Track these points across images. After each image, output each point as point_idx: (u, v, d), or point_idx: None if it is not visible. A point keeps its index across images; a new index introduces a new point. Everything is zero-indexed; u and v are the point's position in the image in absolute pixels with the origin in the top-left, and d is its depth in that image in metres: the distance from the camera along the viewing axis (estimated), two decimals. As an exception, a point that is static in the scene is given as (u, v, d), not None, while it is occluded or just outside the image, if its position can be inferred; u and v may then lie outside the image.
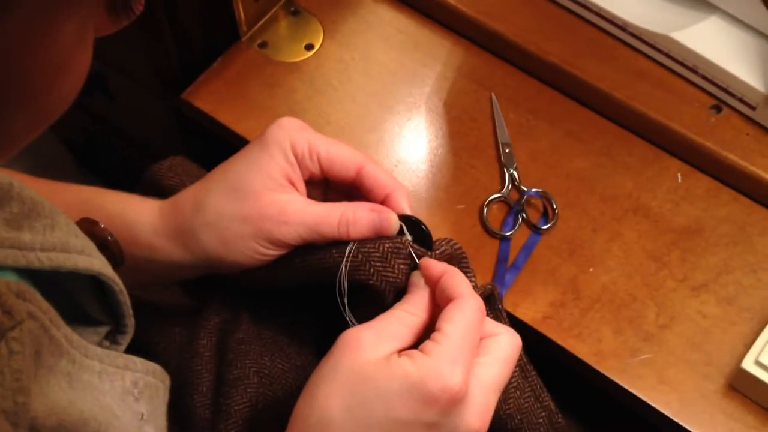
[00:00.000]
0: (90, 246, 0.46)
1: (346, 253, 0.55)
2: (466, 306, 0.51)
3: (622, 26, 0.79)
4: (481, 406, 0.50)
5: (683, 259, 0.72)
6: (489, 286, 0.59)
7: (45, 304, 0.38)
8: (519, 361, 0.61)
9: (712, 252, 0.72)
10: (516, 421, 0.61)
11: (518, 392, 0.60)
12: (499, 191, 0.74)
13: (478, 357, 0.51)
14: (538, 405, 0.61)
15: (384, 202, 0.57)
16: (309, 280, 0.58)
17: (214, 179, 0.57)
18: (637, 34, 0.79)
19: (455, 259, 0.57)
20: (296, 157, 0.56)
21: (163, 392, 0.51)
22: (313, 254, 0.56)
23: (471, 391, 0.49)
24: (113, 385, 0.45)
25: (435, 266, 0.54)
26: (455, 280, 0.53)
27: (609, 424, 0.74)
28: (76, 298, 0.49)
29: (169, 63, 0.83)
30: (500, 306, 0.60)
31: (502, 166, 0.76)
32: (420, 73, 0.82)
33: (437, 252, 0.56)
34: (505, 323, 0.59)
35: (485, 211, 0.73)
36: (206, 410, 0.60)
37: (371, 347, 0.49)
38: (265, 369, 0.61)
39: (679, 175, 0.76)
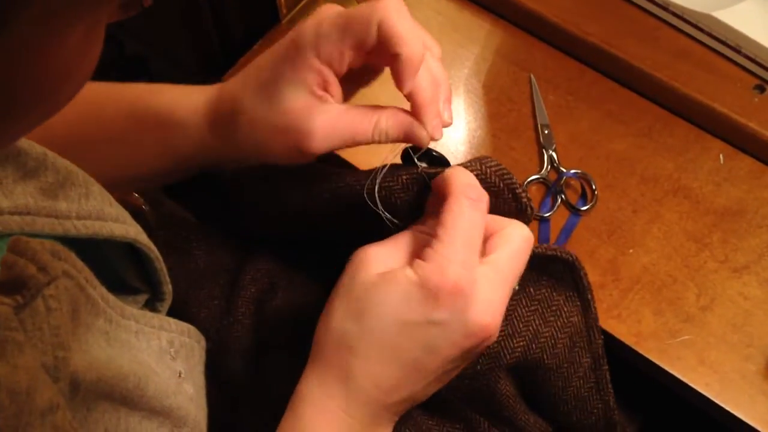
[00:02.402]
0: (124, 214, 0.47)
1: (377, 173, 0.55)
2: (456, 206, 0.50)
3: (664, 6, 0.79)
4: (490, 303, 0.50)
5: (725, 240, 0.71)
6: (569, 256, 0.59)
7: (80, 264, 0.39)
8: (594, 353, 0.61)
9: (754, 233, 0.71)
10: (570, 406, 0.61)
11: (581, 381, 0.61)
12: (538, 172, 0.74)
13: (486, 255, 0.51)
14: (598, 397, 0.61)
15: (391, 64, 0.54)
16: (338, 208, 0.59)
17: (249, 82, 0.56)
18: (679, 13, 0.78)
19: (497, 177, 0.55)
20: (326, 63, 0.53)
21: (199, 352, 0.53)
22: (340, 187, 0.57)
23: (478, 287, 0.49)
24: (150, 344, 0.47)
25: (439, 181, 0.53)
26: (448, 178, 0.52)
27: (663, 418, 0.75)
28: (114, 268, 0.50)
29: (210, 46, 0.84)
30: (583, 276, 0.60)
31: (540, 148, 0.76)
32: (459, 54, 0.82)
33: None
34: (589, 297, 0.60)
35: (524, 193, 0.73)
36: (247, 372, 0.62)
37: (380, 262, 0.51)
38: (302, 334, 0.62)
39: (721, 156, 0.75)
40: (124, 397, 0.41)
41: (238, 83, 0.57)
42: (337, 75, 0.54)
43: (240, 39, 0.82)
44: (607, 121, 0.77)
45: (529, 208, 0.56)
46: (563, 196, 0.73)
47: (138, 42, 0.98)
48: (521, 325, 0.60)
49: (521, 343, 0.60)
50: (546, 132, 0.76)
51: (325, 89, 0.54)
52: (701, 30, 0.78)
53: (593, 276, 0.69)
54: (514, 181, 0.55)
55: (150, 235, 0.49)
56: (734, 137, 0.75)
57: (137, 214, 0.54)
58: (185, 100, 0.59)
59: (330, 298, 0.52)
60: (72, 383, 0.36)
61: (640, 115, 0.78)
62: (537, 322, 0.61)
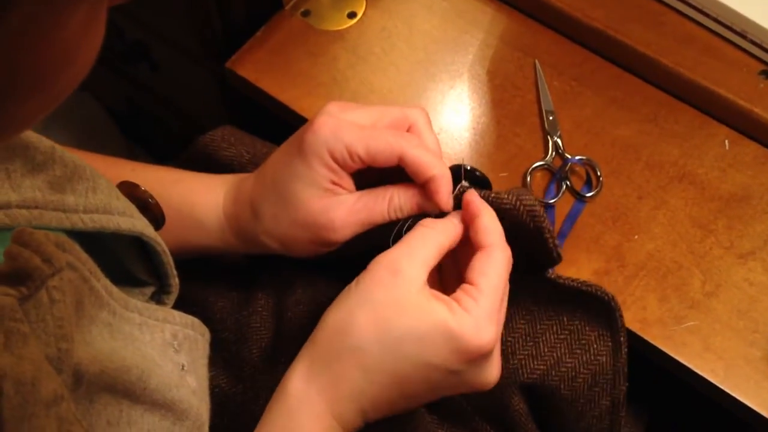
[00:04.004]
0: (131, 208, 0.47)
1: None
2: (497, 258, 0.53)
3: (669, -9, 0.78)
4: (499, 358, 0.54)
5: (730, 226, 0.71)
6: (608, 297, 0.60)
7: (84, 256, 0.39)
8: (615, 398, 0.62)
9: (759, 219, 0.71)
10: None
11: (595, 420, 0.61)
12: (543, 159, 0.74)
13: (472, 276, 0.54)
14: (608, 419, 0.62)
15: (425, 186, 0.57)
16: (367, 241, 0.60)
17: (264, 187, 0.58)
18: (684, -2, 0.78)
19: (529, 220, 0.56)
20: (336, 162, 0.55)
21: (203, 345, 0.53)
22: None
23: (497, 347, 0.53)
24: (153, 336, 0.46)
25: (474, 205, 0.55)
26: (488, 224, 0.54)
27: (670, 409, 0.75)
28: (121, 261, 0.50)
29: (212, 32, 0.83)
30: (619, 318, 0.61)
31: (545, 134, 0.76)
32: (463, 40, 0.82)
33: (494, 196, 0.56)
34: (621, 339, 0.61)
35: (528, 179, 0.73)
36: (265, 363, 0.62)
37: (411, 280, 0.52)
38: None
39: (726, 142, 0.75)
40: (126, 389, 0.41)
41: (253, 185, 0.59)
42: (348, 172, 0.57)
43: (242, 25, 0.82)
44: (612, 108, 0.77)
45: (556, 254, 0.57)
46: (568, 183, 0.73)
47: (139, 28, 0.98)
48: (546, 350, 0.60)
49: (541, 367, 0.60)
50: (551, 118, 0.76)
51: (338, 184, 0.56)
52: (707, 15, 0.77)
53: (598, 262, 0.69)
54: (545, 225, 0.56)
55: (157, 228, 0.49)
56: (740, 123, 0.75)
57: (145, 208, 0.54)
58: (205, 197, 0.61)
59: (349, 298, 0.53)
60: (75, 375, 0.36)
61: (645, 101, 0.77)
62: (562, 350, 0.60)
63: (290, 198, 0.56)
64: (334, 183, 0.56)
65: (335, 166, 0.55)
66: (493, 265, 0.53)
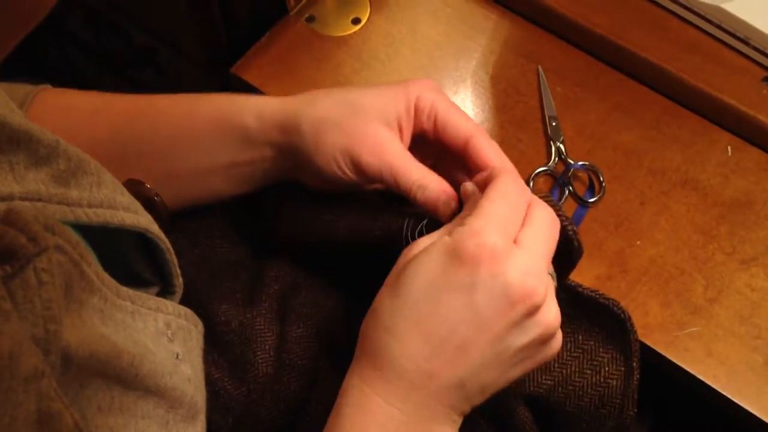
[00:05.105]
0: (136, 204, 0.47)
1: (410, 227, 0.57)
2: (500, 182, 0.52)
3: (672, -3, 0.79)
4: (531, 267, 0.49)
5: (732, 232, 0.71)
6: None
7: (75, 239, 0.38)
8: (621, 422, 0.61)
9: (761, 225, 0.71)
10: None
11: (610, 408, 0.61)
12: (546, 164, 0.74)
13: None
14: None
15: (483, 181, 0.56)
16: (366, 237, 0.60)
17: (338, 89, 0.59)
18: (687, 5, 0.78)
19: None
20: (416, 108, 0.58)
21: (196, 335, 0.52)
22: (383, 218, 0.59)
23: (516, 253, 0.49)
24: (146, 324, 0.45)
25: (482, 173, 0.56)
26: (494, 166, 0.55)
27: (673, 416, 0.75)
28: (125, 260, 0.50)
29: (217, 37, 0.84)
30: (633, 341, 0.60)
31: (548, 140, 0.76)
32: (466, 46, 0.82)
33: None
34: (634, 365, 0.60)
35: (531, 184, 0.73)
36: (269, 366, 0.62)
37: (424, 241, 0.52)
38: (326, 331, 0.63)
39: (728, 148, 0.75)
40: (117, 375, 0.40)
41: (323, 90, 0.60)
42: (416, 129, 0.59)
43: (247, 31, 0.83)
44: (614, 113, 0.77)
45: (576, 242, 0.57)
46: (571, 188, 0.73)
47: (146, 33, 0.98)
48: (556, 366, 0.60)
49: (548, 382, 0.60)
50: (554, 124, 0.76)
51: (399, 129, 0.58)
52: (710, 22, 0.77)
53: (600, 268, 0.69)
54: (565, 220, 0.56)
55: (162, 226, 0.49)
56: (742, 129, 0.75)
57: (150, 206, 0.54)
58: (246, 102, 0.60)
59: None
60: (64, 358, 0.35)
61: (648, 107, 0.78)
62: (572, 369, 0.60)
63: (357, 106, 0.57)
64: (399, 124, 0.57)
65: (412, 111, 0.58)
66: (494, 186, 0.52)
